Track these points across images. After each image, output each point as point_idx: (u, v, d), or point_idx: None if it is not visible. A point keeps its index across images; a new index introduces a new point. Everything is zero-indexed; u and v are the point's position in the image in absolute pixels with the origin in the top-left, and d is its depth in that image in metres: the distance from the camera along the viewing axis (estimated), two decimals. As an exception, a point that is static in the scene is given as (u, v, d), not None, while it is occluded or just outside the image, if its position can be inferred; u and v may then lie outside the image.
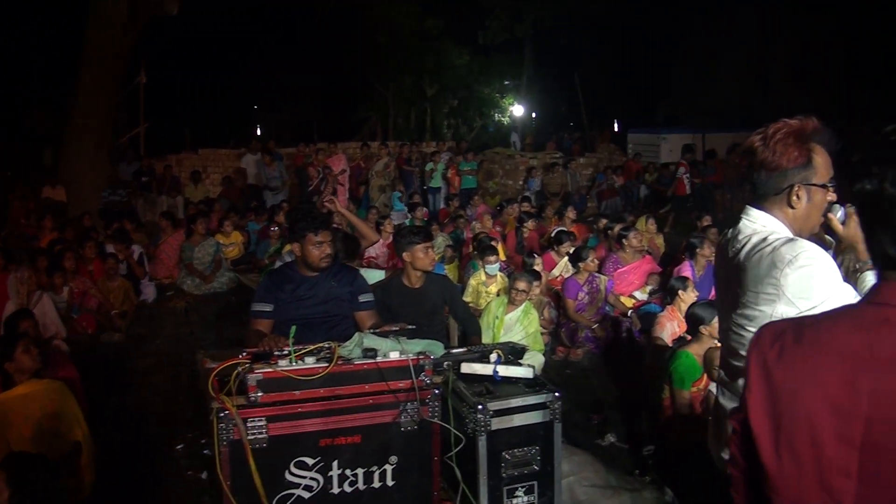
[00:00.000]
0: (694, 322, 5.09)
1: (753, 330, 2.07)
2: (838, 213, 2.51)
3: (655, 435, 5.21)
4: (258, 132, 27.42)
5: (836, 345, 1.32)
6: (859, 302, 1.41)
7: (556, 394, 3.82)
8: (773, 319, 2.11)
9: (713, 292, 7.05)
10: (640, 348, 6.97)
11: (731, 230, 2.48)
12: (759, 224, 2.36)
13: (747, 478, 1.51)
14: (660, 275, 8.10)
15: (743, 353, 2.27)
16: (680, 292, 6.11)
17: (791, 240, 2.24)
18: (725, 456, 2.35)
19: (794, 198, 2.31)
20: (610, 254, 8.35)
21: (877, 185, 1.34)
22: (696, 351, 4.99)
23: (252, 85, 27.47)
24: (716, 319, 4.91)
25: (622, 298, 7.94)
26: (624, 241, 8.13)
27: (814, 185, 2.31)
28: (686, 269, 7.31)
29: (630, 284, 8.02)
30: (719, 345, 4.92)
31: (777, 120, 2.36)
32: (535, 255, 8.41)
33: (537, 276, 7.42)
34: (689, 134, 20.00)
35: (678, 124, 23.69)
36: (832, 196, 2.38)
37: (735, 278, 2.37)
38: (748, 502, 1.52)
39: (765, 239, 2.28)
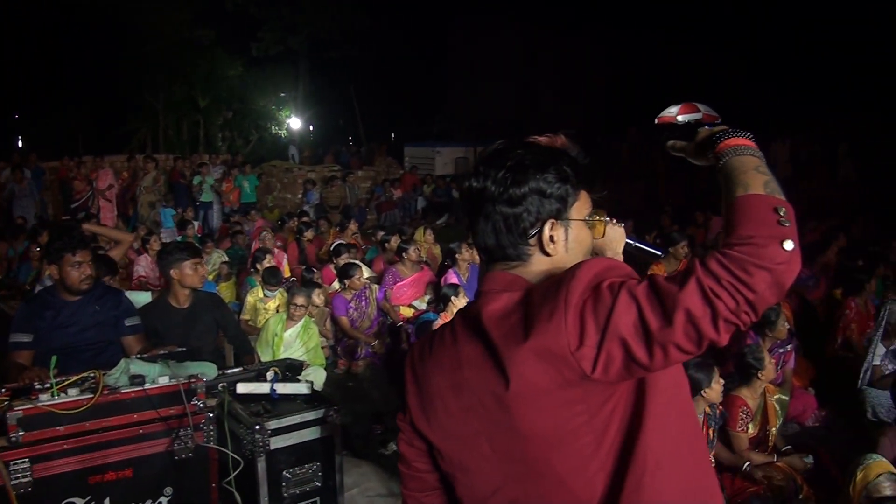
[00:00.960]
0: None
1: None
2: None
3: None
4: (20, 144, 25.21)
5: (452, 333, 1.61)
6: None
7: (335, 407, 3.86)
8: None
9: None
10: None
11: None
12: None
13: (413, 472, 1.77)
14: (435, 284, 8.38)
15: None
16: (452, 299, 6.35)
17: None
18: None
19: None
20: (389, 267, 8.52)
21: (482, 182, 1.56)
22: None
23: (12, 93, 25.18)
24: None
25: (402, 309, 8.11)
26: (403, 254, 8.33)
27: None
28: (452, 276, 7.64)
29: (410, 297, 8.22)
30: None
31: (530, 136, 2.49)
32: (314, 270, 8.41)
33: (319, 287, 7.43)
34: (462, 147, 20.84)
35: (452, 138, 24.62)
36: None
37: None
38: (421, 495, 1.78)
39: None
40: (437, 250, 10.63)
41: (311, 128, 31.04)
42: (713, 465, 1.58)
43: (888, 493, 3.47)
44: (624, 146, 19.65)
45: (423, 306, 8.16)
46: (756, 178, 1.45)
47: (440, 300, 6.72)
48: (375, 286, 7.98)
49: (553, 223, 1.54)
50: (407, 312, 8.10)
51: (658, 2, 25.43)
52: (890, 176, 14.29)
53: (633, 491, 1.43)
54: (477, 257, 7.73)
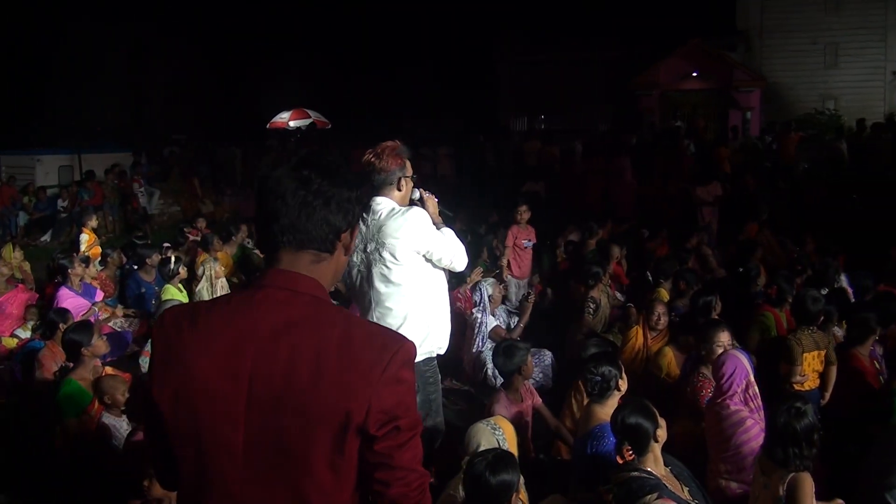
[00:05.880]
0: (74, 346, 4.92)
1: (401, 259, 3.81)
2: (416, 194, 4.12)
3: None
4: None
5: (225, 321, 1.68)
6: (248, 286, 1.78)
7: None
8: (407, 250, 3.80)
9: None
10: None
11: (365, 214, 3.91)
12: (383, 204, 3.91)
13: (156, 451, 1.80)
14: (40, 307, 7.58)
15: (393, 278, 3.84)
16: (61, 325, 5.81)
17: (408, 208, 3.90)
18: None
19: (402, 185, 3.96)
20: (-22, 290, 7.55)
21: (313, 185, 1.73)
22: (81, 375, 4.84)
23: None
24: (95, 337, 4.86)
25: (4, 340, 7.19)
26: (-8, 273, 7.46)
27: (408, 177, 4.00)
28: (64, 296, 7.01)
29: (8, 317, 7.33)
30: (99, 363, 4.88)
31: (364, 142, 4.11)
32: None
33: None
34: (66, 155, 19.22)
35: (54, 145, 22.52)
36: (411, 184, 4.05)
37: (378, 234, 3.85)
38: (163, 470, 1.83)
39: (394, 208, 3.90)
40: (27, 266, 9.54)
41: None
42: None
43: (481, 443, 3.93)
44: (237, 152, 19.43)
45: (27, 334, 7.30)
46: None
47: (47, 326, 6.10)
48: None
49: (355, 228, 1.83)
50: (10, 343, 7.16)
51: (264, 9, 25.84)
52: (480, 174, 16.61)
53: None
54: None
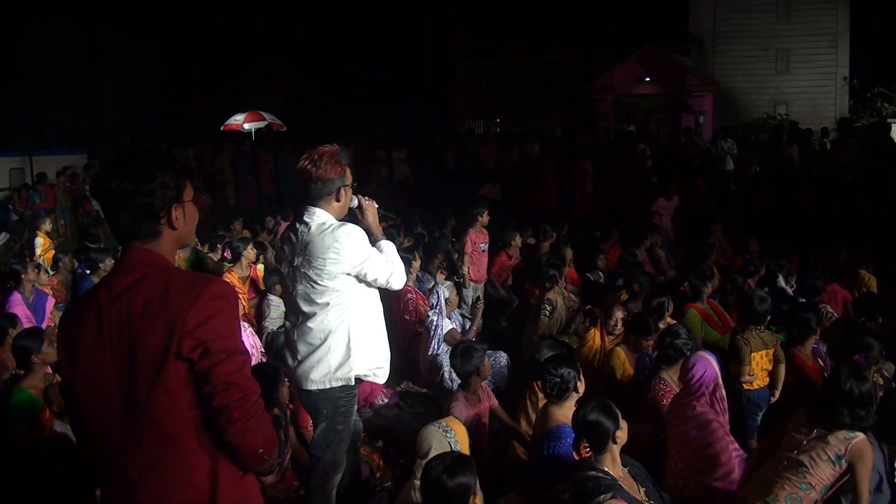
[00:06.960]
0: (24, 353, 4.83)
1: (326, 281, 3.53)
2: (354, 203, 3.80)
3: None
4: None
5: (94, 296, 2.13)
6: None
7: None
8: (334, 272, 3.52)
9: (46, 319, 6.84)
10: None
11: (298, 224, 3.69)
12: (317, 216, 3.63)
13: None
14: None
15: (317, 299, 3.57)
16: (11, 331, 5.70)
17: (340, 224, 3.61)
18: None
19: (341, 195, 3.68)
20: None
21: (120, 182, 2.10)
22: (31, 384, 4.76)
23: None
24: (45, 344, 4.79)
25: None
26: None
27: (348, 186, 3.71)
28: (15, 301, 6.89)
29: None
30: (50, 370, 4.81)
31: (316, 146, 3.69)
32: None
33: None
34: (17, 157, 18.85)
35: (6, 147, 22.09)
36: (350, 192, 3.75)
37: (305, 251, 3.60)
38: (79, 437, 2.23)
39: (324, 223, 3.61)
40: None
41: None
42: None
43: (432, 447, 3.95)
44: (189, 153, 19.18)
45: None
46: None
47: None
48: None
49: (175, 206, 2.17)
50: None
51: (219, 11, 25.60)
52: (436, 174, 16.79)
53: None
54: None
